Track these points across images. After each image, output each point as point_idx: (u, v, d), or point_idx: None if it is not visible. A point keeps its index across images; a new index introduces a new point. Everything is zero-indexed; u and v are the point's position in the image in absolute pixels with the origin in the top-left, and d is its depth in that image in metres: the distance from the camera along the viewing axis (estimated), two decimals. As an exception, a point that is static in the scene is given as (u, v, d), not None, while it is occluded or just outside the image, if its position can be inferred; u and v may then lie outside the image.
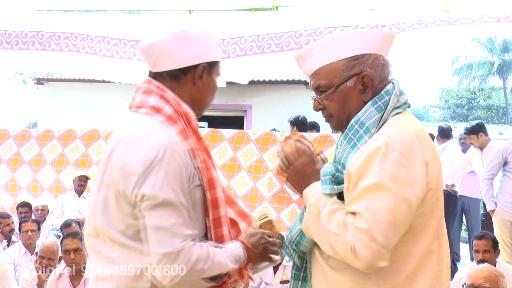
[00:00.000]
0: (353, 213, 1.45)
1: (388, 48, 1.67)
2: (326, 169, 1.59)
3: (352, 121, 1.58)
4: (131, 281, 1.59)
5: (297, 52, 1.73)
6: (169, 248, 1.51)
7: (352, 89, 1.61)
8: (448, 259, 1.62)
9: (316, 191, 1.57)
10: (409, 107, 1.65)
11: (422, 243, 1.49)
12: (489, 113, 31.12)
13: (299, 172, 1.65)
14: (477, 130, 6.13)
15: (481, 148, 6.16)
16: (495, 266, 4.05)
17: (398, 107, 1.60)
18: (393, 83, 1.63)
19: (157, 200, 1.53)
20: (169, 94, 1.70)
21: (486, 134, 6.14)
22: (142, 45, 1.73)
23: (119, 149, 1.62)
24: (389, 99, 1.58)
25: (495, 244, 4.21)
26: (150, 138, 1.59)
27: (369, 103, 1.58)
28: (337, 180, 1.55)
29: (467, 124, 6.53)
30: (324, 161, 1.73)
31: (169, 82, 1.73)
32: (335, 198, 1.53)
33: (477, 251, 4.17)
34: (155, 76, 1.74)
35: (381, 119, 1.56)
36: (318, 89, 1.67)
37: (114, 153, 1.63)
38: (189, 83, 1.74)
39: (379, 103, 1.58)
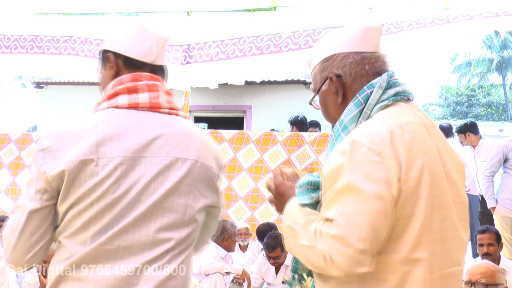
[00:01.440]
0: (328, 220, 1.34)
1: (374, 42, 1.55)
2: (301, 180, 1.49)
3: (337, 124, 1.52)
4: None
5: (307, 62, 1.71)
6: None
7: (328, 92, 1.57)
8: (457, 267, 1.45)
9: (291, 212, 1.46)
10: (408, 99, 1.51)
11: (403, 249, 1.36)
12: (489, 110, 31.17)
13: (276, 197, 1.58)
14: (464, 130, 6.22)
15: (473, 146, 6.23)
16: (499, 259, 4.09)
17: (384, 100, 1.46)
18: (382, 76, 1.52)
19: None
20: None
21: (475, 133, 6.22)
22: (168, 36, 1.74)
23: (210, 156, 1.71)
24: (371, 92, 1.46)
25: (498, 237, 4.23)
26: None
27: (351, 100, 1.51)
28: (315, 186, 1.45)
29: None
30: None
31: (162, 77, 1.71)
32: (306, 209, 1.42)
33: (481, 245, 4.19)
34: (156, 69, 1.69)
35: (360, 114, 1.46)
36: None
37: (200, 160, 1.67)
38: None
39: (359, 98, 1.48)
